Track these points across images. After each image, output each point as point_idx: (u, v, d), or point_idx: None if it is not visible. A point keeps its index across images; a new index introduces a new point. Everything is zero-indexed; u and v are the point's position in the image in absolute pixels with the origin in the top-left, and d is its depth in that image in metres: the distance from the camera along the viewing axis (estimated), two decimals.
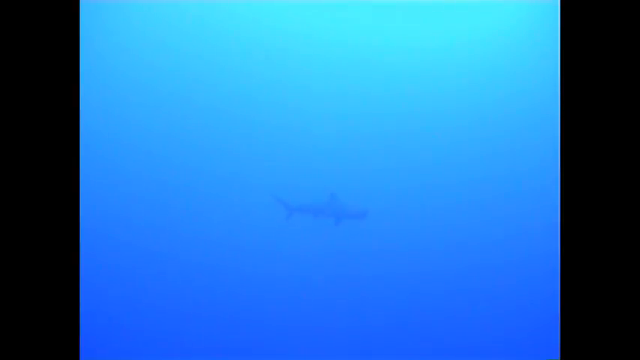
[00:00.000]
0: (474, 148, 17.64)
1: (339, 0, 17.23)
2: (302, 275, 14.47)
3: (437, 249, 15.19)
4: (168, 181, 17.45)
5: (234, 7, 17.59)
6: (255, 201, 15.69)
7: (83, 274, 13.12)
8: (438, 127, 17.95)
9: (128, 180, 17.15)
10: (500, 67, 17.94)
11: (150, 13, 17.37)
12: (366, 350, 12.73)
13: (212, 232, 15.86)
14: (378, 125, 18.16)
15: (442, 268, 14.68)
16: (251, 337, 13.05)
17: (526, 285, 13.80)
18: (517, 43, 17.34)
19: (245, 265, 14.92)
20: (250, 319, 13.50)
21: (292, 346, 12.71)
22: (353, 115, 18.28)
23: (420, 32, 17.91)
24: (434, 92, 18.34)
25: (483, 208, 16.27)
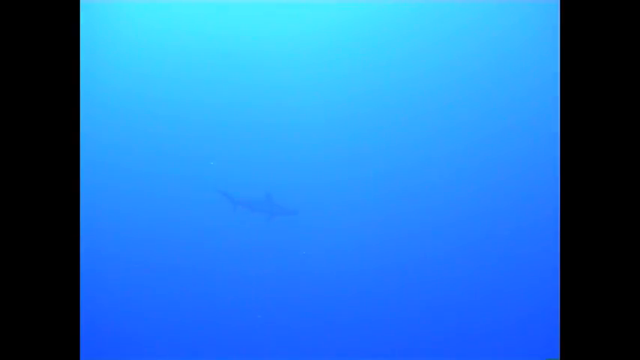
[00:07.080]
0: (473, 147, 17.64)
1: (339, 0, 17.23)
2: (310, 276, 14.51)
3: (437, 249, 15.19)
4: (168, 181, 17.44)
5: (233, 7, 17.59)
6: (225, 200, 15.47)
7: (83, 274, 13.13)
8: (438, 126, 17.95)
9: (128, 180, 17.15)
10: (501, 67, 17.94)
11: (150, 13, 17.39)
12: (365, 350, 12.73)
13: (206, 233, 15.82)
14: (378, 125, 18.16)
15: (442, 268, 14.68)
16: (250, 339, 13.04)
17: (526, 285, 13.80)
18: (517, 43, 17.35)
19: (244, 268, 14.91)
20: (252, 321, 13.51)
21: (279, 344, 12.74)
22: (352, 116, 18.29)
23: (420, 32, 17.92)
24: (433, 92, 18.35)
25: (483, 209, 16.26)
